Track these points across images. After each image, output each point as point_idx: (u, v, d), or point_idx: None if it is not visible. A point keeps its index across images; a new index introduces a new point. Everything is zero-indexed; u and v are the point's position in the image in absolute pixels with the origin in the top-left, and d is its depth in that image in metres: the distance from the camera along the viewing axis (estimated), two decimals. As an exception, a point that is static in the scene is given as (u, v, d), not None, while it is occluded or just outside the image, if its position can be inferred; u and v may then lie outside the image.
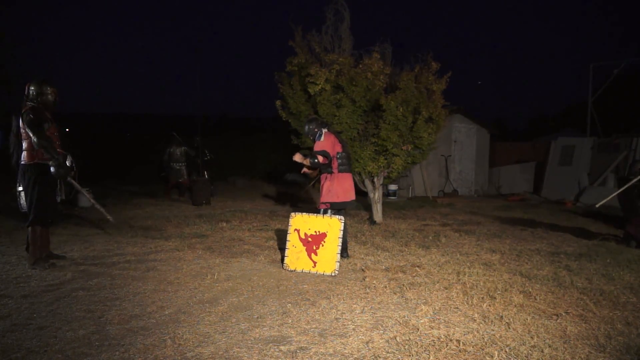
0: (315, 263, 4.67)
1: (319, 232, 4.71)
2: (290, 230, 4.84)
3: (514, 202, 11.73)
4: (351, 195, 5.23)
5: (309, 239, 4.73)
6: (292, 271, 4.73)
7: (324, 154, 5.00)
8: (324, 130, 5.14)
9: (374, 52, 7.23)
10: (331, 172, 5.12)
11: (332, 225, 4.68)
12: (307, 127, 5.30)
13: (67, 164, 4.98)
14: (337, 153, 5.11)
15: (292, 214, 4.89)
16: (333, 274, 4.57)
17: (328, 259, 4.62)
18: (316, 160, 5.01)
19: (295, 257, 4.76)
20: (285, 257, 4.82)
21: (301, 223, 4.81)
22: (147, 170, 15.58)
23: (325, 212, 5.04)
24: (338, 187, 5.12)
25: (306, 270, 4.69)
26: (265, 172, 17.78)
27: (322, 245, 4.66)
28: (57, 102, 4.93)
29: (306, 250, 4.72)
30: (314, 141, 5.23)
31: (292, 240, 4.80)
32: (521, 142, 17.78)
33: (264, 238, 6.48)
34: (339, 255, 4.62)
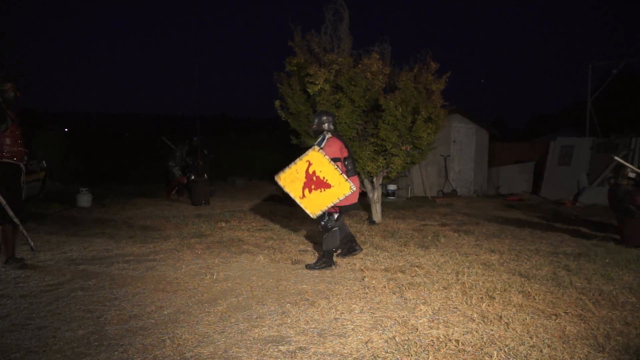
0: (304, 196, 4.72)
1: (326, 180, 4.68)
2: (303, 159, 4.78)
3: (513, 202, 11.74)
4: (357, 198, 5.09)
5: (314, 178, 4.70)
6: (280, 187, 4.83)
7: (335, 160, 4.85)
8: (328, 136, 4.92)
9: (373, 52, 7.23)
10: None
11: (341, 186, 4.65)
12: (318, 119, 5.05)
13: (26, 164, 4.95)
14: (344, 158, 4.97)
15: (316, 147, 4.77)
16: (313, 216, 4.74)
17: (318, 203, 4.69)
18: None
19: (291, 179, 4.79)
20: (282, 172, 4.84)
21: (317, 162, 4.73)
22: (146, 170, 15.58)
23: (331, 216, 4.93)
24: None
25: (292, 195, 4.77)
26: (264, 172, 17.77)
27: (321, 192, 4.68)
28: (18, 98, 4.87)
29: (305, 183, 4.73)
30: (316, 139, 5.06)
31: (299, 167, 4.78)
32: (520, 142, 17.80)
33: (263, 238, 6.48)
34: (326, 209, 4.71)
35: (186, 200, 10.95)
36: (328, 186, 4.67)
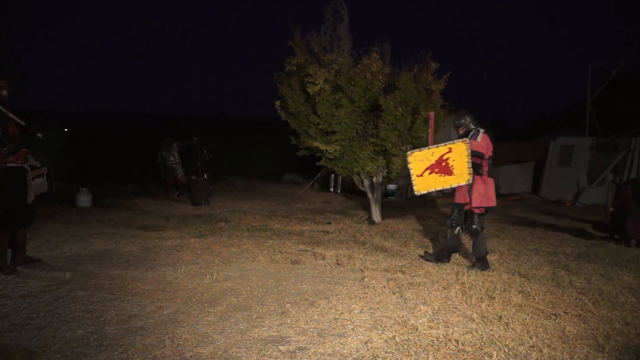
0: (421, 175, 4.79)
1: (452, 168, 4.74)
2: (447, 145, 4.77)
3: (513, 202, 11.73)
4: (495, 199, 5.10)
5: (443, 164, 4.78)
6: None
7: (479, 155, 4.83)
8: (482, 131, 4.94)
9: (372, 52, 7.23)
10: (481, 175, 4.94)
11: (461, 177, 4.69)
12: (460, 120, 5.04)
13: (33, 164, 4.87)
14: (489, 157, 4.96)
15: (465, 140, 4.77)
16: (417, 193, 4.86)
17: (429, 184, 4.81)
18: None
19: (420, 159, 4.83)
20: (417, 150, 4.88)
21: (458, 152, 4.74)
22: (146, 170, 15.54)
23: (479, 218, 4.90)
24: (490, 191, 4.95)
25: (412, 172, 4.83)
26: (264, 172, 17.74)
27: (439, 176, 4.77)
28: (12, 95, 4.76)
29: (431, 166, 4.80)
30: (460, 136, 5.03)
31: (438, 151, 4.79)
32: (520, 142, 17.79)
33: (263, 238, 6.47)
34: (432, 191, 4.83)
35: (186, 200, 10.94)
36: (450, 173, 4.73)
